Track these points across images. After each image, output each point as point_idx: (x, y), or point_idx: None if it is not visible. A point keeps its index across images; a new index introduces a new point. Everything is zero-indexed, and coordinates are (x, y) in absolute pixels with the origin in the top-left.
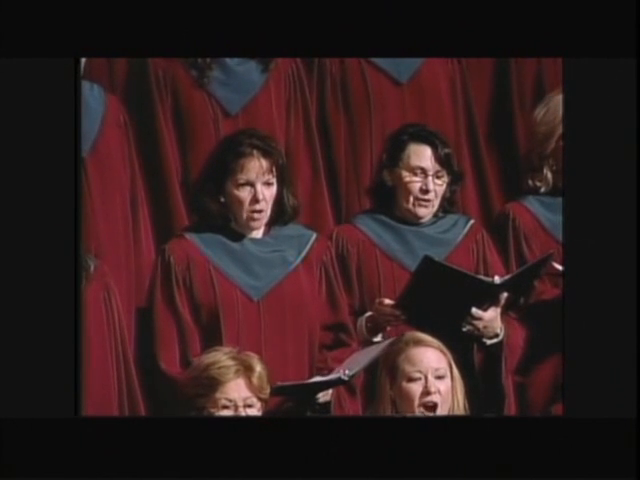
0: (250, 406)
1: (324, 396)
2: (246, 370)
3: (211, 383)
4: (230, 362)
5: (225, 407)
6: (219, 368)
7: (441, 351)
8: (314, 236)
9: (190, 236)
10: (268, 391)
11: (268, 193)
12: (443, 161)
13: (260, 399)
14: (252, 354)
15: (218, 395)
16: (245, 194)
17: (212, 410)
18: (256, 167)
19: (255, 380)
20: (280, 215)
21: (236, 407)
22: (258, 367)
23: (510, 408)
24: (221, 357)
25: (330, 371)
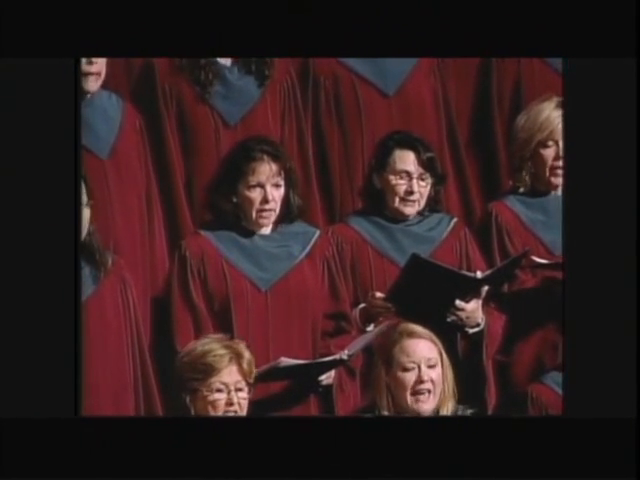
0: (240, 389)
1: (327, 379)
2: (237, 357)
3: (207, 369)
4: (223, 351)
5: (219, 390)
6: (214, 356)
7: (432, 341)
8: (317, 233)
9: (205, 233)
10: (254, 376)
11: (277, 194)
12: (426, 164)
13: (248, 383)
14: (240, 342)
15: (213, 379)
16: (256, 195)
17: (206, 393)
18: (266, 170)
19: (245, 366)
20: (287, 214)
21: (228, 390)
22: (247, 354)
23: (490, 390)
24: (215, 346)
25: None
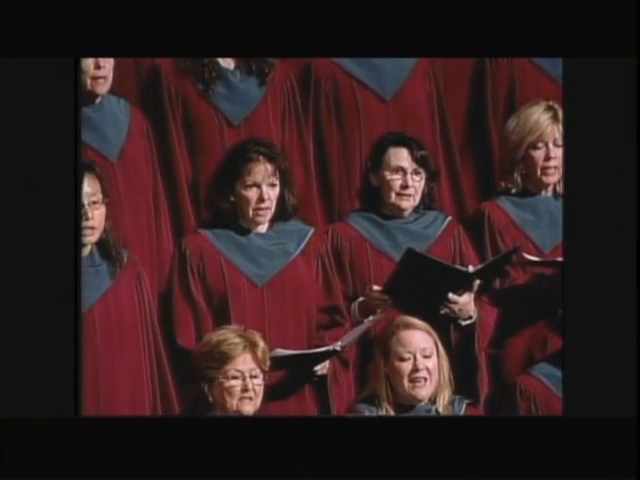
0: (255, 377)
1: (321, 369)
2: (252, 346)
3: (222, 357)
4: (238, 339)
5: (234, 377)
6: (229, 345)
7: (428, 332)
8: (312, 231)
9: (203, 231)
10: (269, 364)
11: (272, 193)
12: (419, 161)
13: (263, 371)
14: (255, 332)
15: (228, 367)
16: (252, 194)
17: (222, 380)
18: (262, 171)
19: (259, 354)
20: (282, 212)
21: (244, 377)
22: (261, 343)
23: (483, 381)
24: (230, 335)
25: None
